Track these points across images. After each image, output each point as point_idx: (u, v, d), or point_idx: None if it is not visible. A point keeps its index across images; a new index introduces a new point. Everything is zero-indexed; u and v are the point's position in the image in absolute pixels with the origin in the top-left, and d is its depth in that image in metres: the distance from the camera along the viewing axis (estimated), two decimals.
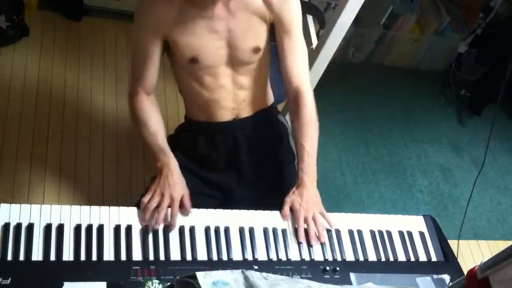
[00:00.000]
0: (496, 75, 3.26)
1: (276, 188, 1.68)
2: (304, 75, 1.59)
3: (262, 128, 1.72)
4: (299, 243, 1.47)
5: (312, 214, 1.49)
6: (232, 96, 1.61)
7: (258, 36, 1.53)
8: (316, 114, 1.61)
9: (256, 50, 1.54)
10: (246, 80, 1.61)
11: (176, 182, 1.45)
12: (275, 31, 1.57)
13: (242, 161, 1.70)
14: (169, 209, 1.41)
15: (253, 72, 1.60)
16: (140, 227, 1.37)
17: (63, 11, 2.93)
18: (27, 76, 2.64)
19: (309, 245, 1.45)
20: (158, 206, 1.39)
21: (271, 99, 1.78)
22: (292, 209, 1.50)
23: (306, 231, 1.48)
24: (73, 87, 2.68)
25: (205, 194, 1.69)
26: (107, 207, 1.37)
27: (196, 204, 1.48)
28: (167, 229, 1.38)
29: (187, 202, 1.43)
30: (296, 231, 1.47)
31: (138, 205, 1.45)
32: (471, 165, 3.25)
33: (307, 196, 1.51)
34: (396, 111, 3.36)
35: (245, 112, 1.67)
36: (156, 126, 1.53)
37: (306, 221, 1.48)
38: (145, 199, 1.40)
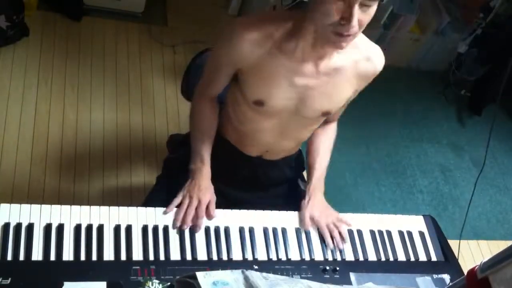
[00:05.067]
0: (496, 75, 3.26)
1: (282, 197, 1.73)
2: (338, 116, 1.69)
3: (282, 167, 1.72)
4: (298, 243, 1.48)
5: (331, 220, 1.54)
6: (272, 142, 1.57)
7: (335, 101, 1.49)
8: (334, 139, 1.69)
9: (325, 113, 1.50)
10: (296, 134, 1.59)
11: (205, 187, 1.50)
12: None
13: (256, 183, 1.71)
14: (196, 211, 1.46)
15: (307, 129, 1.59)
16: (140, 226, 1.37)
17: (63, 11, 2.93)
18: (27, 76, 2.64)
19: (339, 249, 1.50)
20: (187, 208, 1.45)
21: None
22: (311, 220, 1.54)
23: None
24: (73, 87, 2.68)
25: None
26: (107, 207, 1.38)
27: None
28: (193, 229, 1.42)
29: (212, 208, 1.47)
30: (322, 238, 1.52)
31: (145, 204, 1.56)
32: (471, 165, 3.25)
33: (322, 206, 1.57)
34: (396, 111, 3.36)
35: (273, 156, 1.65)
36: (206, 132, 1.57)
37: (328, 227, 1.53)
38: (176, 201, 1.46)
